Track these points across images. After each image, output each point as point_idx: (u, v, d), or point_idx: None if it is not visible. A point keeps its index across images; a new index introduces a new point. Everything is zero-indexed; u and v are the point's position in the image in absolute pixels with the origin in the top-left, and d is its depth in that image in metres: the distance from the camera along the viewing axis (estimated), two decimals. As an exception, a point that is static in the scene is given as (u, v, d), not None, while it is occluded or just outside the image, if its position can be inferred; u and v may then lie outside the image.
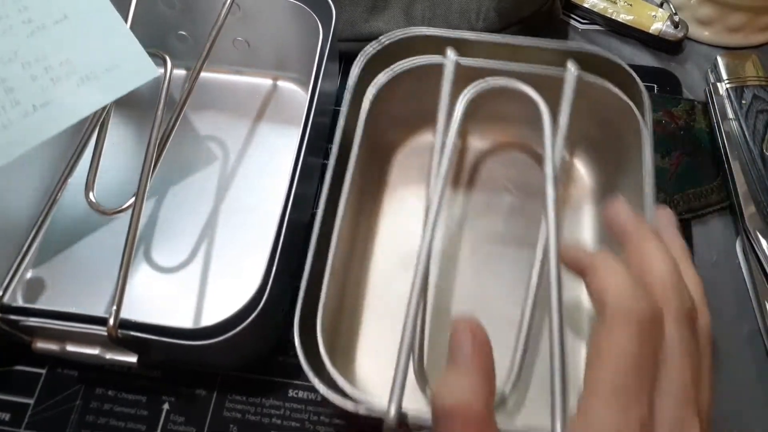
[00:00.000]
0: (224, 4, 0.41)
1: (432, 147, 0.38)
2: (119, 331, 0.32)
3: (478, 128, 0.45)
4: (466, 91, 0.37)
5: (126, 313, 0.32)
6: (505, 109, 0.43)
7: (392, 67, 0.40)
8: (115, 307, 0.32)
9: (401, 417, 0.29)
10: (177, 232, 0.43)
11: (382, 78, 0.40)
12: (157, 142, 0.38)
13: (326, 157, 0.44)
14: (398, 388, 0.30)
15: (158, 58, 0.40)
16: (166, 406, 0.38)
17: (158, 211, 0.43)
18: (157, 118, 0.38)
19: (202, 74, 0.40)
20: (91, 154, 0.39)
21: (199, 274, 0.41)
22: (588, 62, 0.39)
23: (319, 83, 0.40)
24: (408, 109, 0.43)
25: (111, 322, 0.32)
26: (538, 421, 0.32)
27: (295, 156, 0.37)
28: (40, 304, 0.39)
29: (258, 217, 0.43)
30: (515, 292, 0.38)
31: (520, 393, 0.37)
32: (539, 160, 0.43)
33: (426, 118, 0.42)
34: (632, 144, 0.38)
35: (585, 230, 0.42)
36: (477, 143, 0.45)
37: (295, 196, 0.36)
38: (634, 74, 0.39)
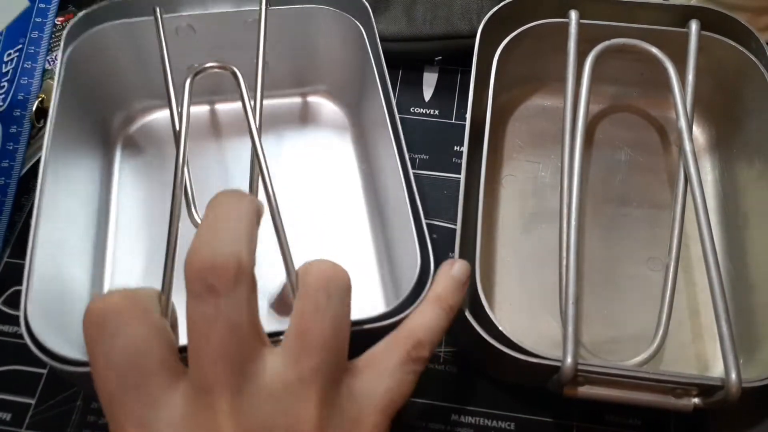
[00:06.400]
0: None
1: (543, 110, 0.44)
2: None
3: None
4: (593, 51, 0.39)
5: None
6: (610, 72, 0.43)
7: (519, 29, 0.41)
8: None
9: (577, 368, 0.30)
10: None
11: (507, 39, 0.40)
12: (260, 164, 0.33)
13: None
14: (571, 340, 0.30)
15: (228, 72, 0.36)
16: (166, 406, 0.38)
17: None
18: (258, 148, 0.33)
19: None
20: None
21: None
22: (703, 22, 0.40)
23: (389, 90, 0.39)
24: (520, 73, 0.43)
25: None
26: (682, 367, 0.36)
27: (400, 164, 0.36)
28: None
29: (345, 226, 0.41)
30: (641, 251, 0.40)
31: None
32: (650, 120, 0.45)
33: (538, 81, 0.45)
34: (751, 99, 0.40)
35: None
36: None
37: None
38: (752, 29, 0.40)
